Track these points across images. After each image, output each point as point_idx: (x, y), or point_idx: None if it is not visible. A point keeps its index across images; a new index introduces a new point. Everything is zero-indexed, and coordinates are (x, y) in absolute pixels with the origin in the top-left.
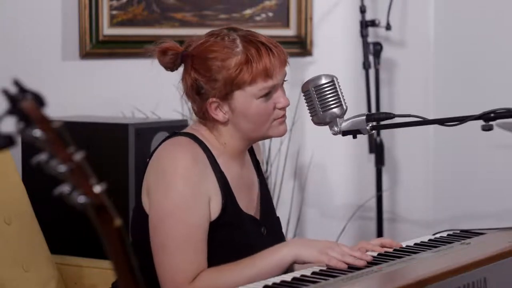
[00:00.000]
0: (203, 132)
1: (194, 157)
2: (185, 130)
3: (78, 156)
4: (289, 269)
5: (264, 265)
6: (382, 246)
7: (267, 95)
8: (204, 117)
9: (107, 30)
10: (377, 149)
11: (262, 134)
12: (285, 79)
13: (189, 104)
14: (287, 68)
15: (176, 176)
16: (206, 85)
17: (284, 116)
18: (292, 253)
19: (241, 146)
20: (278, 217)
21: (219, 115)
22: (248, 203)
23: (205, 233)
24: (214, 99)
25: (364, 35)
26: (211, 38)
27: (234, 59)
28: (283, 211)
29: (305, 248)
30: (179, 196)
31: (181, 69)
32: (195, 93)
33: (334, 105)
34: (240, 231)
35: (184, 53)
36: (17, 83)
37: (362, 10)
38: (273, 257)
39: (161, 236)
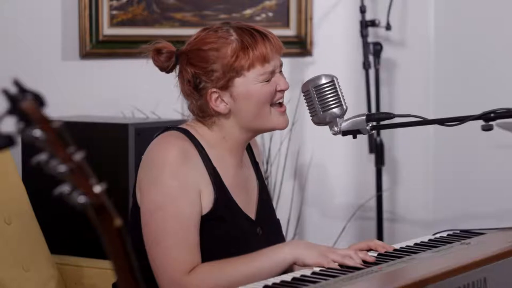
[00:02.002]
0: (197, 128)
1: (183, 150)
2: (179, 126)
3: (78, 156)
4: (289, 270)
5: (264, 263)
6: (369, 250)
7: (268, 80)
8: (203, 113)
9: (107, 30)
10: (377, 149)
11: (263, 122)
12: (281, 69)
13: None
14: (286, 68)
15: (164, 169)
16: (204, 77)
17: (283, 106)
18: (293, 253)
19: (241, 139)
20: (278, 220)
21: (221, 106)
22: (245, 202)
23: (197, 226)
24: (214, 90)
25: (364, 35)
26: (203, 32)
27: (230, 47)
28: (283, 211)
29: (306, 249)
30: (167, 189)
31: None
32: (193, 88)
33: (334, 105)
34: (233, 227)
35: (178, 51)
36: (17, 83)
37: (362, 10)
38: (273, 255)
39: (152, 229)
